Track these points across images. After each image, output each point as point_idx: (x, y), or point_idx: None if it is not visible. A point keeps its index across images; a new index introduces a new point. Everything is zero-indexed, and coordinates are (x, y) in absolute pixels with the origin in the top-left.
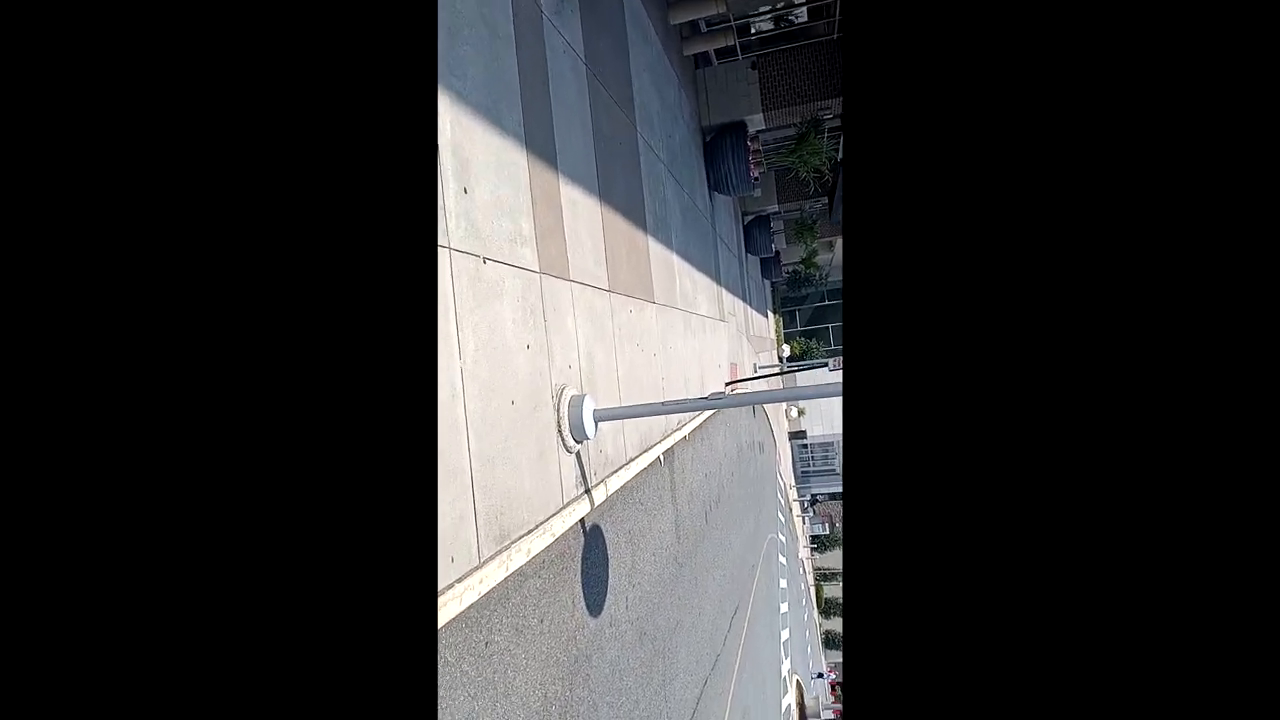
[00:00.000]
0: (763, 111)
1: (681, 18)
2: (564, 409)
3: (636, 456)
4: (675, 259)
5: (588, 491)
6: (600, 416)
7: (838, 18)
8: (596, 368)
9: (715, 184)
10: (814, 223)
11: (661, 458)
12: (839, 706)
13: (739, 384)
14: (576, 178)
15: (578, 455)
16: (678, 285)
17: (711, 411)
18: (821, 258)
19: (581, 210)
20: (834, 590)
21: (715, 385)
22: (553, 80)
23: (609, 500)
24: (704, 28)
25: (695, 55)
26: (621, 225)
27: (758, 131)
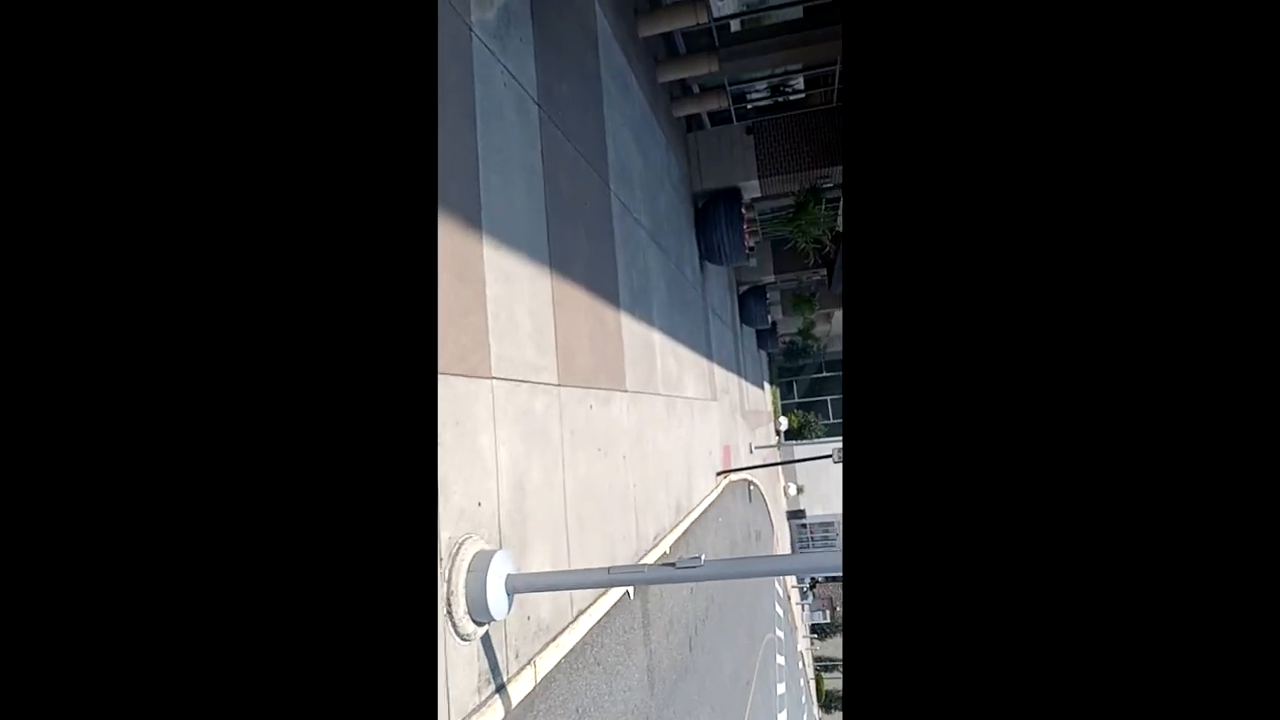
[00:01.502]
0: (759, 178)
1: (670, 76)
2: (458, 577)
3: (589, 606)
4: (657, 336)
5: (500, 690)
6: (516, 586)
7: (836, 87)
8: (528, 498)
9: (707, 253)
10: (812, 295)
11: (631, 591)
12: None
13: (734, 473)
14: (513, 242)
15: (485, 638)
16: (659, 366)
17: (702, 509)
18: (819, 329)
19: (520, 285)
20: (834, 683)
21: (705, 478)
22: (482, 116)
23: (542, 685)
24: (695, 89)
25: (686, 117)
26: (583, 301)
27: (753, 199)
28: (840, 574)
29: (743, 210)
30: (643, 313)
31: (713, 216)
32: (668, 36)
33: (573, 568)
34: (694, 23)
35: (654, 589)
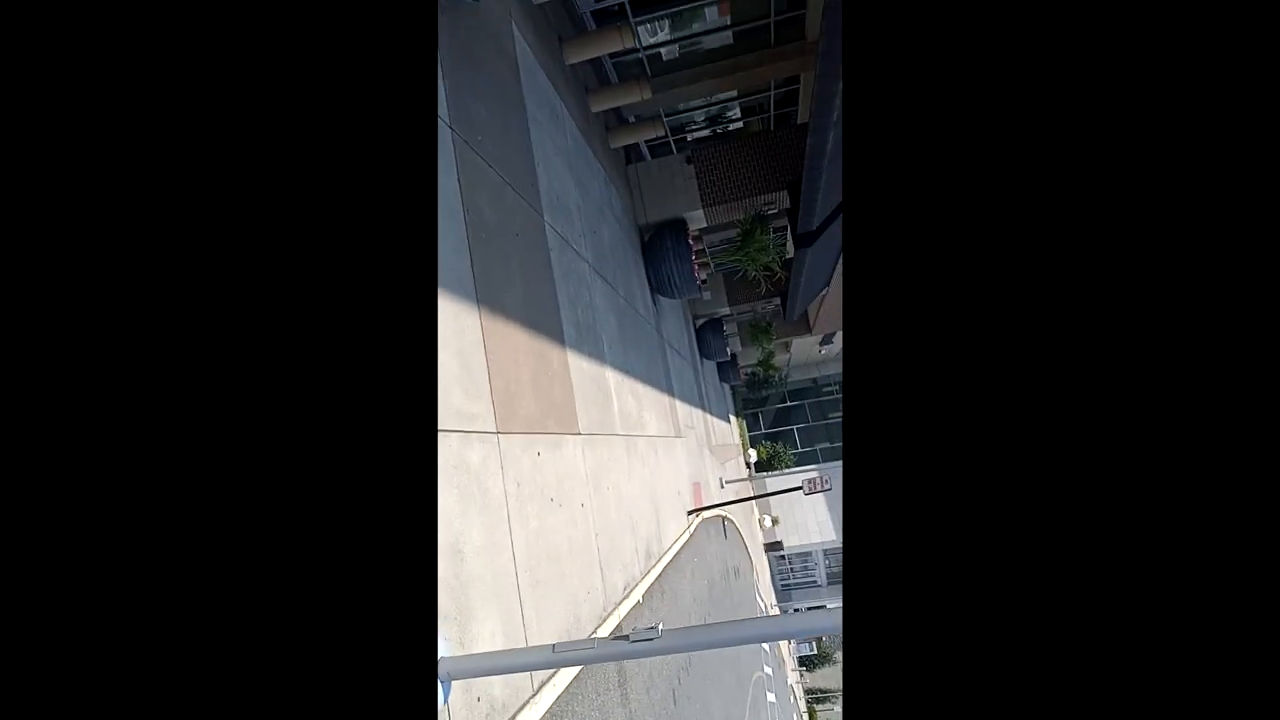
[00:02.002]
0: (703, 207)
1: (602, 104)
2: None
3: (553, 674)
4: (610, 374)
5: None
6: (451, 671)
7: (772, 113)
8: (467, 562)
9: (658, 286)
10: (769, 324)
11: None
12: None
13: (706, 510)
14: None
15: None
16: (615, 406)
17: (674, 552)
18: (779, 359)
19: (444, 326)
20: (827, 714)
21: (676, 519)
22: None
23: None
24: (631, 119)
25: (625, 149)
26: (521, 340)
27: (699, 230)
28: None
29: (689, 241)
30: (592, 350)
31: (660, 249)
32: (596, 64)
33: (529, 635)
34: (620, 47)
35: None
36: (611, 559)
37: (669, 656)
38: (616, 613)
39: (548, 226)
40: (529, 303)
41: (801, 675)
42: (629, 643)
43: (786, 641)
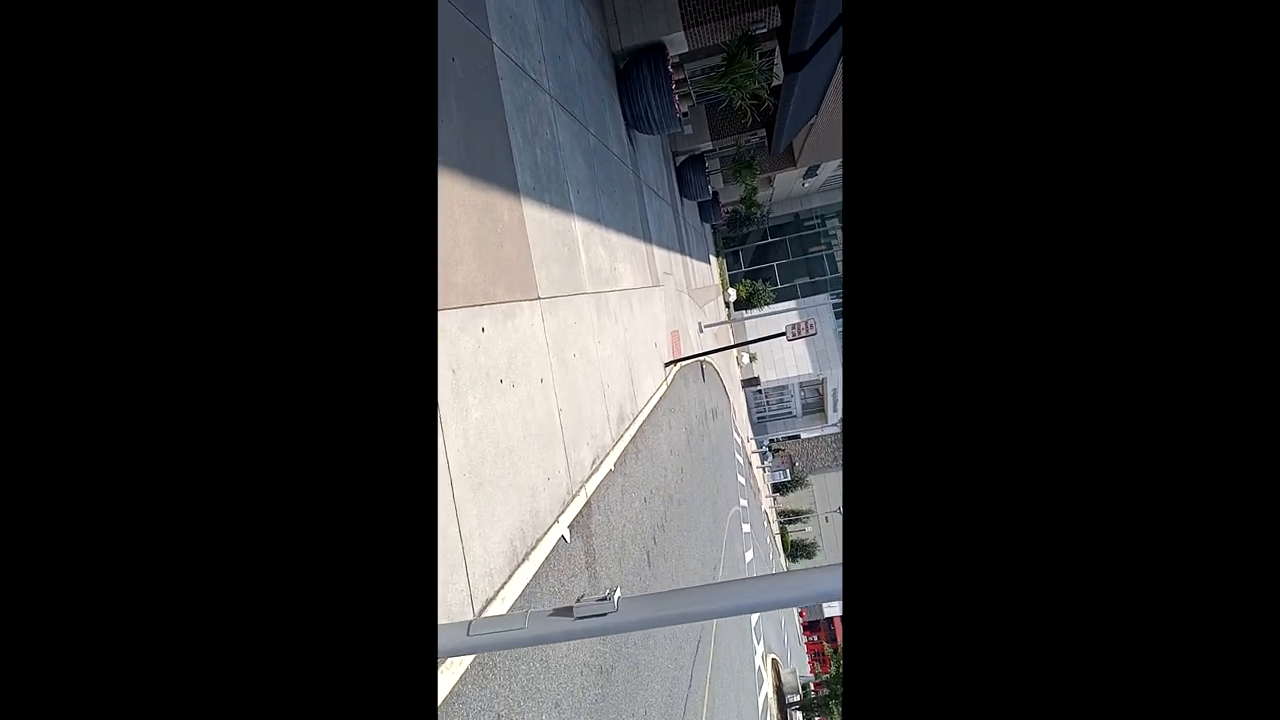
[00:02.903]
0: (684, 29)
1: None
2: None
3: (514, 570)
4: (578, 224)
5: None
6: None
7: None
8: None
9: (634, 121)
10: (753, 158)
11: (567, 532)
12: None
13: (684, 361)
14: None
15: None
16: (583, 260)
17: (650, 409)
18: (761, 195)
19: None
20: (798, 534)
21: (652, 373)
22: None
23: (474, 674)
24: None
25: None
26: (459, 191)
27: (681, 56)
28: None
29: (669, 69)
30: (554, 197)
31: (636, 79)
32: None
33: (469, 553)
34: None
35: (603, 508)
36: (578, 433)
37: (643, 520)
38: (584, 490)
39: (497, 50)
40: (470, 144)
41: (775, 500)
42: (572, 619)
43: (762, 470)
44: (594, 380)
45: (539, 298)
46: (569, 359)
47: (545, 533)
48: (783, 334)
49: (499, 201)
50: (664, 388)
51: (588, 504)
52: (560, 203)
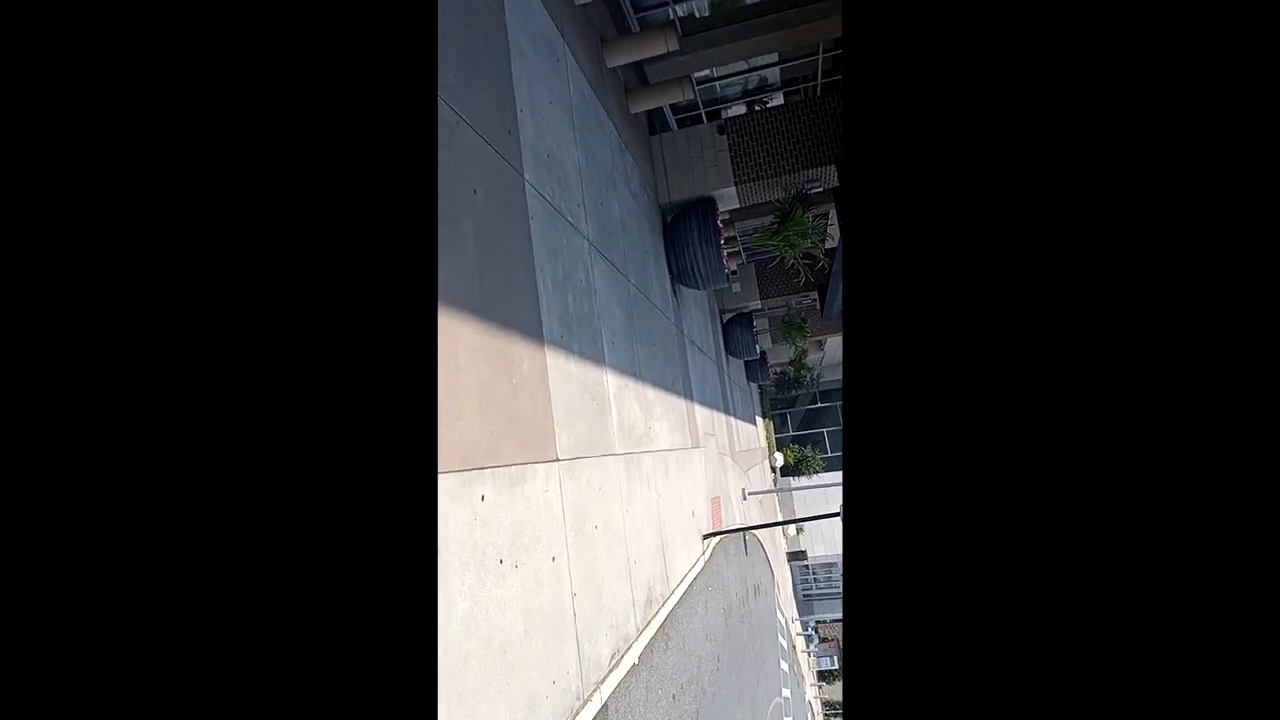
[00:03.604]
0: (735, 185)
1: (620, 58)
2: None
3: None
4: (610, 378)
5: None
6: None
7: (819, 81)
8: None
9: (680, 275)
10: (803, 320)
11: None
12: None
13: (725, 534)
14: None
15: None
16: (614, 417)
17: (684, 588)
18: (811, 358)
19: None
20: None
21: (688, 546)
22: None
23: None
24: (651, 78)
25: (648, 116)
26: (468, 336)
27: (731, 213)
28: None
29: (718, 223)
30: (585, 348)
31: (683, 232)
32: (616, 11)
33: None
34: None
35: (624, 708)
36: (596, 622)
37: (672, 712)
38: (598, 694)
39: (529, 187)
40: (486, 283)
41: (820, 689)
42: None
43: (807, 654)
44: (618, 557)
45: (557, 459)
46: (589, 532)
47: None
48: (837, 514)
49: (517, 349)
50: (701, 563)
51: (604, 709)
52: (591, 354)
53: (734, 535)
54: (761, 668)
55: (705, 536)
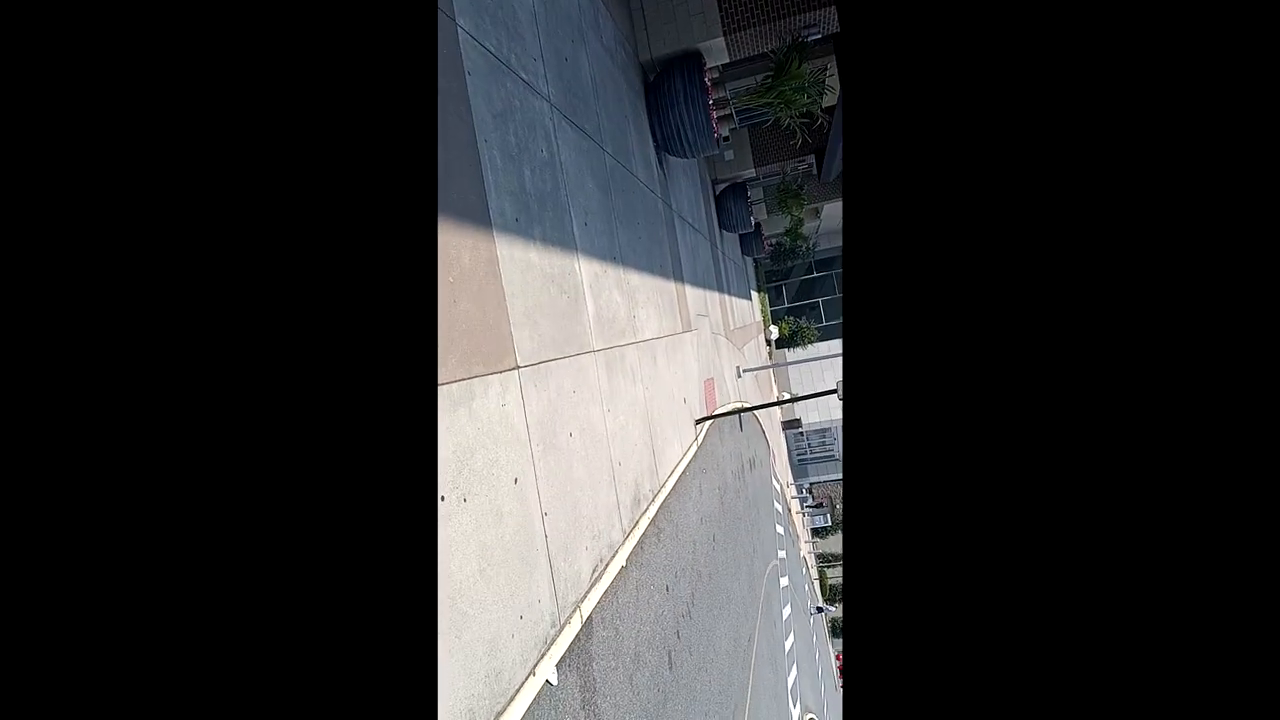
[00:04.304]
0: (724, 35)
1: None
2: None
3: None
4: (583, 265)
5: None
6: None
7: None
8: None
9: (665, 142)
10: (800, 188)
11: (554, 675)
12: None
13: (718, 417)
14: None
15: None
16: (589, 310)
17: (676, 478)
18: (808, 226)
19: None
20: (837, 578)
21: (680, 435)
22: None
23: None
24: None
25: None
26: None
27: (721, 69)
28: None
29: (705, 81)
30: (549, 232)
31: (667, 92)
32: None
33: None
34: None
35: (603, 629)
36: (573, 538)
37: (664, 614)
38: (578, 613)
39: (464, 35)
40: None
41: (814, 545)
42: None
43: (801, 515)
44: (599, 462)
45: (517, 366)
46: (561, 442)
47: (517, 691)
48: (834, 391)
49: (453, 239)
50: (694, 449)
51: (586, 625)
52: (558, 238)
53: (729, 418)
54: (758, 536)
55: (698, 422)
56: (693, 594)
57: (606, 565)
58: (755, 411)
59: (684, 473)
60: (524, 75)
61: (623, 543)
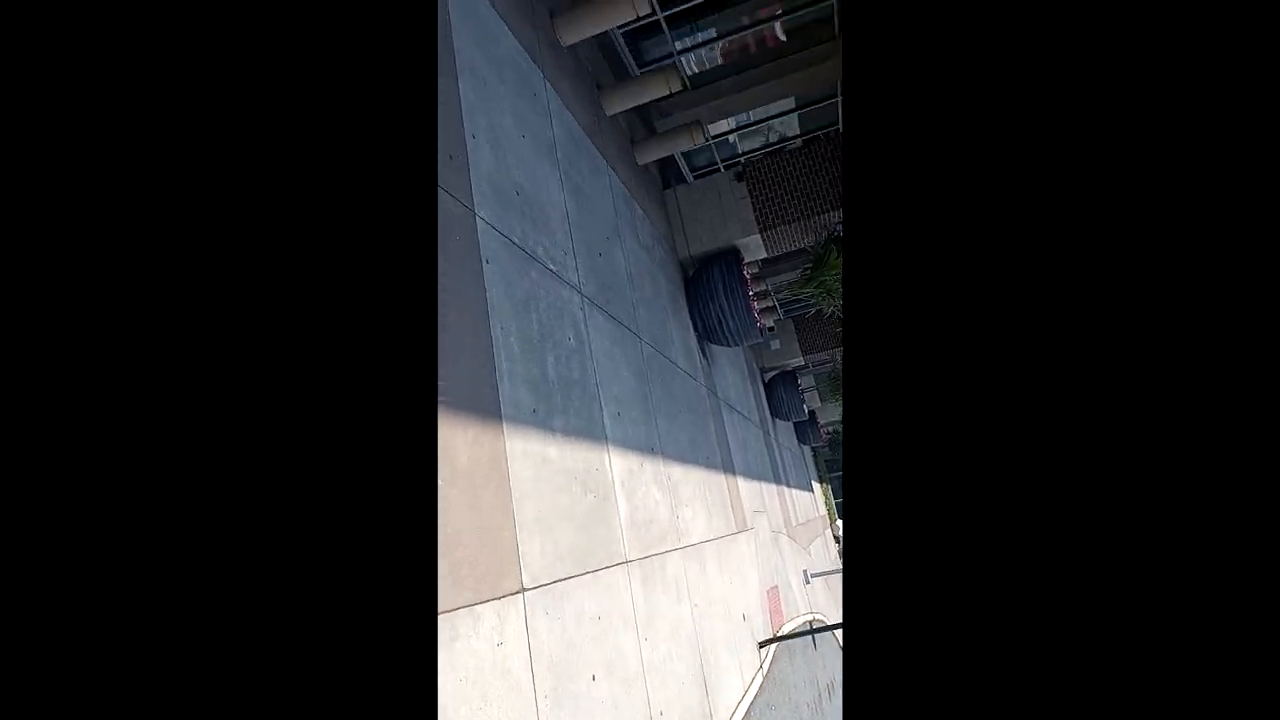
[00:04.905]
0: (760, 232)
1: (616, 106)
2: None
3: None
4: (614, 459)
5: None
6: None
7: (841, 121)
8: None
9: (707, 333)
10: None
11: None
12: None
13: (783, 640)
14: None
15: None
16: (621, 511)
17: (741, 715)
18: None
19: None
20: None
21: (738, 662)
22: None
23: None
24: (659, 128)
25: (661, 170)
26: None
27: (760, 264)
28: None
29: (743, 273)
30: (573, 422)
31: (706, 284)
32: (616, 64)
33: None
34: (633, 16)
35: None
36: None
37: None
38: None
39: (482, 223)
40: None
41: None
42: None
43: None
44: (632, 712)
45: (522, 590)
46: (580, 689)
47: None
48: None
49: (451, 434)
50: (759, 679)
51: None
52: (583, 429)
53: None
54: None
55: (762, 645)
56: None
57: None
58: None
59: (746, 714)
60: (551, 265)
61: None
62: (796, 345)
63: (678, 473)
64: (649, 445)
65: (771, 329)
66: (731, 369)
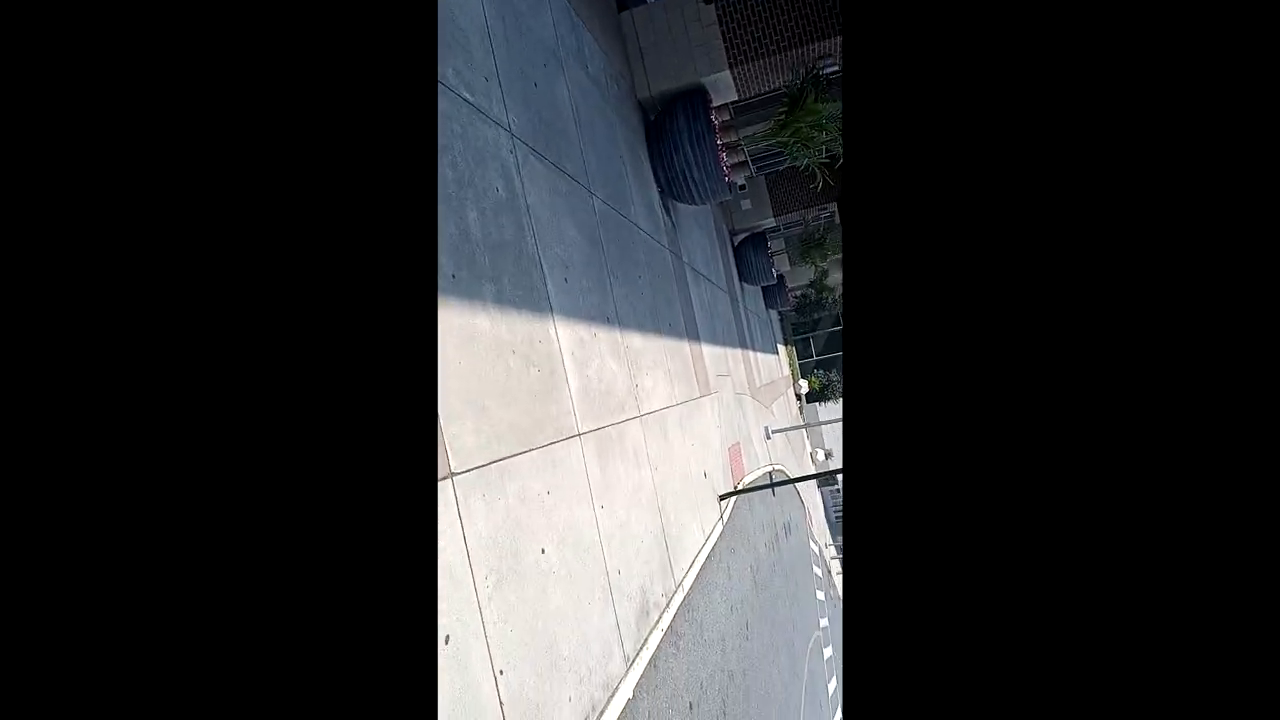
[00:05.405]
0: (730, 68)
1: None
2: None
3: None
4: (560, 330)
5: None
6: None
7: None
8: None
9: (669, 187)
10: (822, 237)
11: None
12: None
13: (743, 493)
14: None
15: None
16: (570, 385)
17: (697, 570)
18: (833, 277)
19: None
20: None
21: (699, 517)
22: None
23: None
24: None
25: None
26: None
27: (731, 107)
28: None
29: (712, 118)
30: (509, 291)
31: (670, 131)
32: None
33: None
34: None
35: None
36: (548, 693)
37: (706, 681)
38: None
39: None
40: None
41: None
42: None
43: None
44: (589, 578)
45: (450, 475)
46: (528, 566)
47: None
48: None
49: None
50: (719, 528)
51: None
52: (523, 298)
53: (759, 481)
54: (797, 609)
55: (723, 498)
56: (724, 702)
57: (603, 710)
58: (787, 471)
59: (707, 560)
60: (466, 95)
61: (625, 673)
62: (769, 206)
63: (637, 342)
64: (603, 314)
65: (743, 187)
66: (699, 231)
